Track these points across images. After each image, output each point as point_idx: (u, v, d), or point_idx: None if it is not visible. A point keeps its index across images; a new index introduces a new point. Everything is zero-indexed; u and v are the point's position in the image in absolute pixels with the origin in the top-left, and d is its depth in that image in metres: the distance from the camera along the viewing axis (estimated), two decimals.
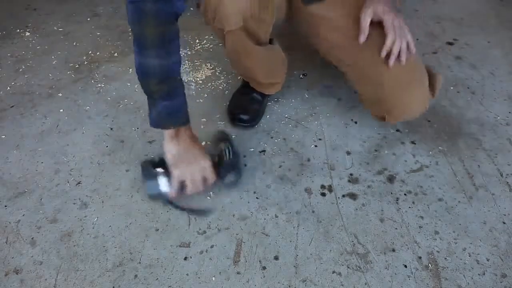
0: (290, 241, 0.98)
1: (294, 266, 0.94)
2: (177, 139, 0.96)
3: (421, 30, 1.64)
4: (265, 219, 1.03)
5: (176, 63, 0.90)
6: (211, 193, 1.07)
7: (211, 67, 1.47)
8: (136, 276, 0.93)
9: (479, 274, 0.91)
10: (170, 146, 0.96)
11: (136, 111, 1.33)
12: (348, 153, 1.18)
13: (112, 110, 1.34)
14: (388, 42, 0.97)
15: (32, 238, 1.00)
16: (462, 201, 1.05)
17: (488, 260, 0.94)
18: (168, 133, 0.95)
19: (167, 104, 0.91)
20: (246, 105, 1.26)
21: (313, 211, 1.04)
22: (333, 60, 1.16)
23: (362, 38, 1.00)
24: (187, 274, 0.93)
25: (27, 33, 1.68)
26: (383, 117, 1.11)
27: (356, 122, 1.27)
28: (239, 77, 1.36)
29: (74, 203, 1.07)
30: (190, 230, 1.01)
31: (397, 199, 1.06)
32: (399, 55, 0.99)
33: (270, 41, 1.17)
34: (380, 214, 1.03)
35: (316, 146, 1.20)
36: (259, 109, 1.27)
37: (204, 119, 1.28)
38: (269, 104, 1.34)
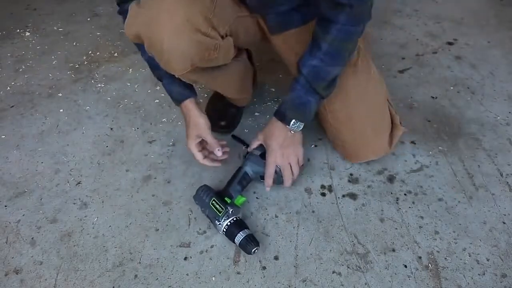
0: (290, 241, 0.98)
1: (294, 266, 0.94)
2: (182, 113, 1.03)
3: (421, 30, 1.65)
4: (265, 219, 1.03)
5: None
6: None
7: None
8: (136, 276, 0.93)
9: (479, 274, 0.91)
10: None
11: (136, 111, 1.33)
12: None
13: (112, 110, 1.34)
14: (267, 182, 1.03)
15: (32, 238, 1.00)
16: (462, 201, 1.05)
17: (488, 260, 0.94)
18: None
19: (163, 84, 1.02)
20: (222, 110, 1.25)
21: (313, 211, 1.04)
22: None
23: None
24: (187, 274, 0.93)
25: (27, 33, 1.68)
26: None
27: None
28: None
29: (74, 203, 1.08)
30: (190, 230, 1.01)
31: (397, 199, 1.06)
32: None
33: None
34: (380, 214, 1.03)
35: (316, 146, 1.20)
36: (236, 113, 1.26)
37: None
38: (269, 104, 1.34)
